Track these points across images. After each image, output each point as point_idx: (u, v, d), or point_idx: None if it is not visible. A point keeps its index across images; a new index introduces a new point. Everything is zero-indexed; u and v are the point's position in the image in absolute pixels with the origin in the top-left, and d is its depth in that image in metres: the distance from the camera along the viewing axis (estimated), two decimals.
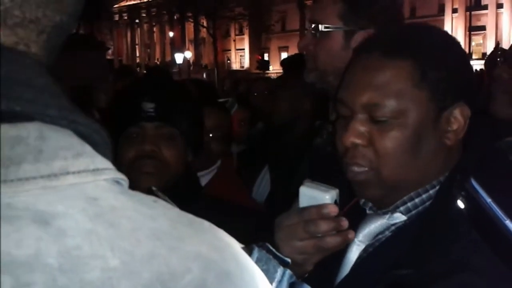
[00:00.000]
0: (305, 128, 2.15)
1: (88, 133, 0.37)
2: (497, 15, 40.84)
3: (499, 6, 40.60)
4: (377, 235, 0.94)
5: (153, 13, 54.00)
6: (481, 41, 42.00)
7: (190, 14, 42.80)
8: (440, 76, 0.88)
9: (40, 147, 0.34)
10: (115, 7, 54.25)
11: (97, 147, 0.37)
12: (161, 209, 0.38)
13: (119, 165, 1.32)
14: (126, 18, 56.49)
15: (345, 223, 0.90)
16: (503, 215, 0.64)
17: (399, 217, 0.91)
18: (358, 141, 0.88)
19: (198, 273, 0.34)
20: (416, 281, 0.78)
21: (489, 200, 0.64)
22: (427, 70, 0.87)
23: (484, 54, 40.31)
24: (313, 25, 1.41)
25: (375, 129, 0.88)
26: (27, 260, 0.31)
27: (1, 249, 0.30)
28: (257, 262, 0.73)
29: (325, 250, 0.92)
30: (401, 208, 0.91)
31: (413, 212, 0.90)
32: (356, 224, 0.94)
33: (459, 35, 41.76)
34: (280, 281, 0.65)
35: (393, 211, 0.92)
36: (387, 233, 0.93)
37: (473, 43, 38.47)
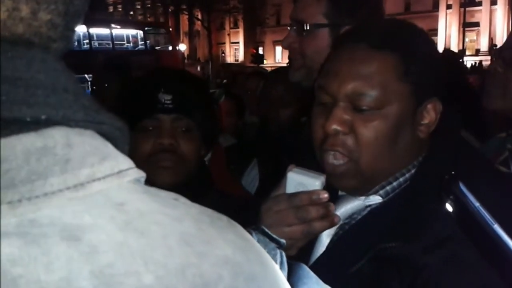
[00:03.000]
0: (291, 124, 2.14)
1: (111, 132, 0.36)
2: (491, 11, 41.03)
3: (493, 2, 40.79)
4: (352, 214, 0.97)
5: (148, 6, 53.74)
6: (475, 37, 42.22)
7: (184, 7, 42.64)
8: (422, 71, 0.91)
9: (68, 156, 0.31)
10: None
11: (117, 144, 0.36)
12: (184, 208, 0.36)
13: (134, 158, 1.29)
14: (120, 10, 56.15)
15: (333, 208, 0.91)
16: (491, 219, 0.63)
17: (376, 199, 0.94)
18: (340, 128, 0.89)
19: (229, 280, 0.33)
20: (402, 253, 0.81)
21: (477, 204, 0.63)
22: (410, 64, 0.90)
23: (477, 50, 40.59)
24: (297, 24, 1.41)
25: (357, 118, 0.89)
26: (58, 285, 0.28)
27: (30, 276, 0.27)
28: None
29: (311, 235, 0.93)
30: (381, 192, 0.94)
31: (391, 194, 0.94)
32: None
33: (453, 31, 41.96)
34: (281, 263, 0.63)
35: (371, 194, 0.94)
36: (363, 213, 0.96)
37: (466, 39, 38.66)
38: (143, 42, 21.73)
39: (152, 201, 0.35)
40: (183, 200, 0.37)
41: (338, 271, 0.88)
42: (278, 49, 48.51)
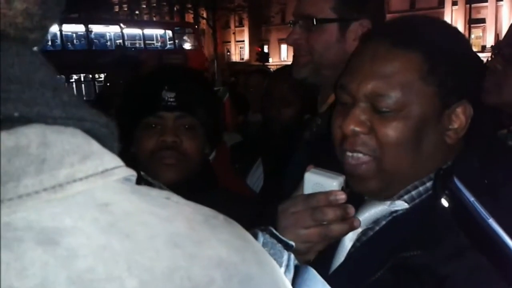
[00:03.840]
0: (294, 122, 2.15)
1: (96, 129, 0.34)
2: (497, 8, 40.68)
3: None
4: (377, 220, 0.92)
5: (153, 5, 53.73)
6: (481, 34, 41.86)
7: (190, 6, 42.58)
8: (448, 72, 0.85)
9: (43, 155, 0.30)
10: None
11: (104, 142, 0.34)
12: (175, 207, 0.35)
13: (137, 155, 1.29)
14: (126, 9, 56.18)
15: (352, 210, 0.88)
16: (486, 214, 0.64)
17: (401, 205, 0.89)
18: (358, 128, 0.86)
19: (221, 282, 0.32)
20: (424, 263, 0.77)
21: (472, 199, 0.64)
22: (436, 64, 0.85)
23: (483, 47, 40.22)
24: (304, 19, 1.40)
25: (376, 118, 0.86)
26: None
27: (3, 283, 0.26)
28: (263, 247, 0.72)
29: (329, 238, 0.90)
30: (405, 197, 0.89)
31: (417, 200, 0.89)
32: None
33: (459, 28, 41.46)
34: (287, 265, 0.64)
35: (395, 199, 0.90)
36: (388, 218, 0.91)
37: (472, 36, 38.36)
38: (171, 42, 22.53)
39: (141, 201, 0.33)
40: (175, 199, 0.36)
41: (358, 280, 0.85)
42: (283, 47, 48.34)
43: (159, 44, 22.60)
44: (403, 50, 0.85)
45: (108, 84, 3.47)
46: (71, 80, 17.90)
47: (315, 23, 1.38)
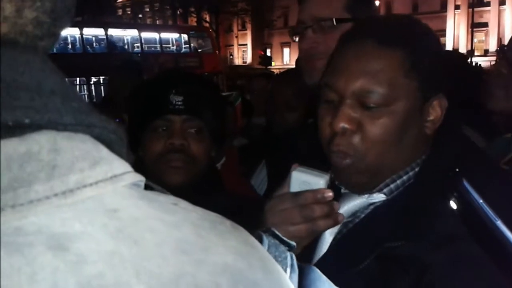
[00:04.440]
0: (298, 125, 2.15)
1: (105, 135, 0.34)
2: (499, 12, 40.67)
3: (502, 3, 40.42)
4: (355, 212, 0.96)
5: (156, 8, 53.89)
6: (483, 38, 41.84)
7: (193, 9, 42.71)
8: (428, 67, 0.90)
9: (54, 161, 0.30)
10: (118, 2, 54.14)
11: (113, 147, 0.34)
12: (183, 213, 0.35)
13: (144, 158, 1.31)
14: (129, 13, 56.38)
15: (337, 206, 0.92)
16: (494, 216, 0.64)
17: (379, 197, 0.94)
18: (348, 125, 0.89)
19: None
20: (409, 252, 0.80)
21: (480, 201, 0.65)
22: (417, 60, 0.90)
23: (486, 51, 40.21)
24: (317, 22, 1.38)
25: (364, 115, 0.89)
26: None
27: (13, 287, 0.26)
28: (269, 249, 0.73)
29: (316, 234, 0.94)
30: (385, 190, 0.93)
31: (395, 192, 0.93)
32: None
33: (462, 32, 41.63)
34: (292, 265, 0.64)
35: (374, 192, 0.94)
36: (366, 211, 0.96)
37: (475, 40, 38.36)
38: (187, 45, 22.93)
39: (149, 206, 0.33)
40: (183, 204, 0.36)
41: (342, 270, 0.87)
42: (286, 51, 48.42)
43: (175, 47, 23.00)
44: (388, 48, 0.90)
45: (112, 87, 3.48)
46: (91, 82, 18.16)
47: (335, 23, 1.36)
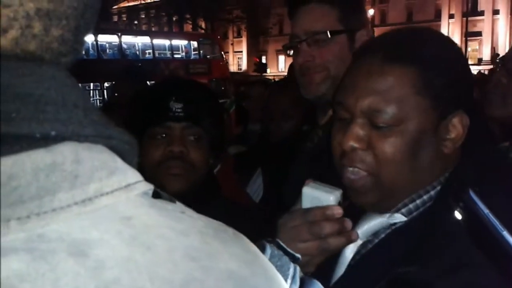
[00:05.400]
0: (293, 132, 2.14)
1: (120, 146, 0.36)
2: (493, 21, 41.09)
3: (495, 12, 40.85)
4: (376, 233, 0.93)
5: (152, 15, 54.02)
6: (477, 47, 42.23)
7: (188, 16, 42.83)
8: (443, 84, 0.86)
9: (76, 171, 0.32)
10: (114, 8, 54.23)
11: (126, 158, 0.36)
12: (190, 221, 0.36)
13: (143, 166, 1.30)
14: (125, 19, 56.45)
15: (349, 224, 0.89)
16: (500, 226, 0.63)
17: (399, 218, 0.90)
18: (357, 145, 0.87)
19: None
20: (420, 278, 0.78)
21: (486, 211, 0.64)
22: (430, 77, 0.86)
23: (480, 60, 40.57)
24: (312, 36, 1.39)
25: (374, 134, 0.87)
26: None
27: None
28: (271, 258, 0.72)
29: (328, 252, 0.91)
30: (403, 210, 0.90)
31: (415, 213, 0.89)
32: (352, 221, 0.93)
33: (456, 41, 41.72)
34: (293, 277, 0.64)
35: (394, 212, 0.91)
36: (387, 231, 0.92)
37: (469, 49, 38.67)
38: (196, 52, 23.46)
39: (159, 214, 0.35)
40: (189, 213, 0.37)
41: None
42: (281, 58, 48.57)
43: (184, 54, 23.45)
44: (397, 65, 0.86)
45: (115, 93, 3.47)
46: (104, 87, 18.36)
47: (329, 36, 1.37)
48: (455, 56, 0.93)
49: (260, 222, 1.23)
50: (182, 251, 0.33)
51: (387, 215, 0.91)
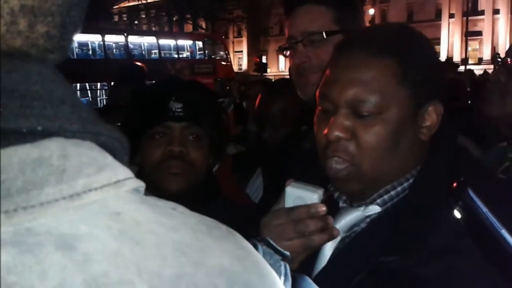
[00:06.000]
0: (292, 132, 2.13)
1: (110, 143, 0.36)
2: (493, 20, 41.07)
3: (496, 11, 40.84)
4: (353, 226, 0.97)
5: (152, 15, 54.04)
6: (477, 46, 42.22)
7: (189, 16, 42.85)
8: (420, 75, 0.92)
9: (63, 166, 0.32)
10: (114, 8, 54.26)
11: (116, 155, 0.36)
12: (181, 217, 0.37)
13: (143, 165, 1.30)
14: (125, 19, 56.48)
15: (331, 220, 0.92)
16: (498, 225, 0.63)
17: (374, 209, 0.95)
18: (342, 134, 0.90)
19: None
20: (401, 266, 0.81)
21: (485, 209, 0.64)
22: (409, 69, 0.91)
23: (480, 59, 40.55)
24: (308, 37, 1.39)
25: (358, 123, 0.91)
26: None
27: (25, 284, 0.28)
28: (263, 256, 0.73)
29: (311, 249, 0.94)
30: (378, 201, 0.94)
31: (389, 204, 0.94)
32: None
33: (456, 40, 41.99)
34: (285, 274, 0.64)
35: (369, 203, 0.95)
36: (362, 224, 0.97)
37: (469, 48, 38.68)
38: (201, 52, 23.59)
39: (149, 211, 0.35)
40: (181, 209, 0.37)
41: (338, 285, 0.89)
42: (282, 58, 48.57)
43: (189, 54, 23.59)
44: (379, 57, 0.91)
45: (115, 95, 3.46)
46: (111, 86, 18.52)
47: (325, 36, 1.38)
48: (430, 52, 1.00)
49: (259, 222, 1.24)
50: (172, 246, 0.33)
51: (362, 208, 0.95)
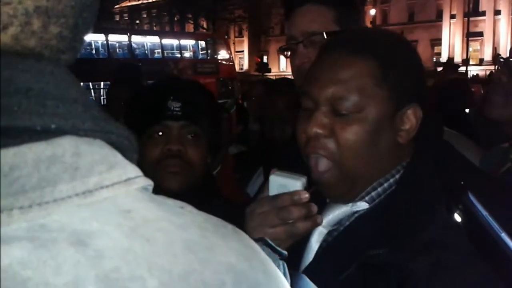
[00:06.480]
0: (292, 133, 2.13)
1: (120, 141, 0.37)
2: (494, 21, 41.02)
3: (497, 12, 40.79)
4: (340, 221, 0.98)
5: (154, 14, 54.05)
6: (479, 47, 42.16)
7: (190, 16, 42.86)
8: (399, 77, 0.93)
9: (76, 164, 0.33)
10: (116, 8, 54.27)
11: (125, 153, 0.37)
12: (189, 216, 0.37)
13: (142, 164, 1.32)
14: (126, 18, 56.49)
15: (315, 208, 0.93)
16: (498, 228, 0.64)
17: (362, 205, 0.96)
18: (320, 131, 0.92)
19: (231, 286, 0.34)
20: (390, 259, 0.82)
21: (485, 213, 0.64)
22: (388, 71, 0.93)
23: (481, 60, 40.51)
24: (308, 37, 1.39)
25: (337, 121, 0.92)
26: None
27: (39, 279, 0.29)
28: None
29: (295, 236, 0.94)
30: (366, 198, 0.95)
31: (377, 201, 0.95)
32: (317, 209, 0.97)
33: (457, 41, 41.94)
34: (284, 273, 0.64)
35: (357, 200, 0.96)
36: (351, 219, 0.98)
37: (470, 49, 38.63)
38: (204, 52, 23.63)
39: (158, 209, 0.36)
40: (189, 208, 0.38)
41: (327, 279, 0.89)
42: (283, 57, 48.45)
43: (192, 53, 23.67)
44: (359, 58, 0.93)
45: (111, 95, 3.45)
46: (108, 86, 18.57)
47: (325, 37, 1.37)
48: (411, 56, 1.00)
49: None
50: (181, 244, 0.34)
51: (350, 204, 0.96)
